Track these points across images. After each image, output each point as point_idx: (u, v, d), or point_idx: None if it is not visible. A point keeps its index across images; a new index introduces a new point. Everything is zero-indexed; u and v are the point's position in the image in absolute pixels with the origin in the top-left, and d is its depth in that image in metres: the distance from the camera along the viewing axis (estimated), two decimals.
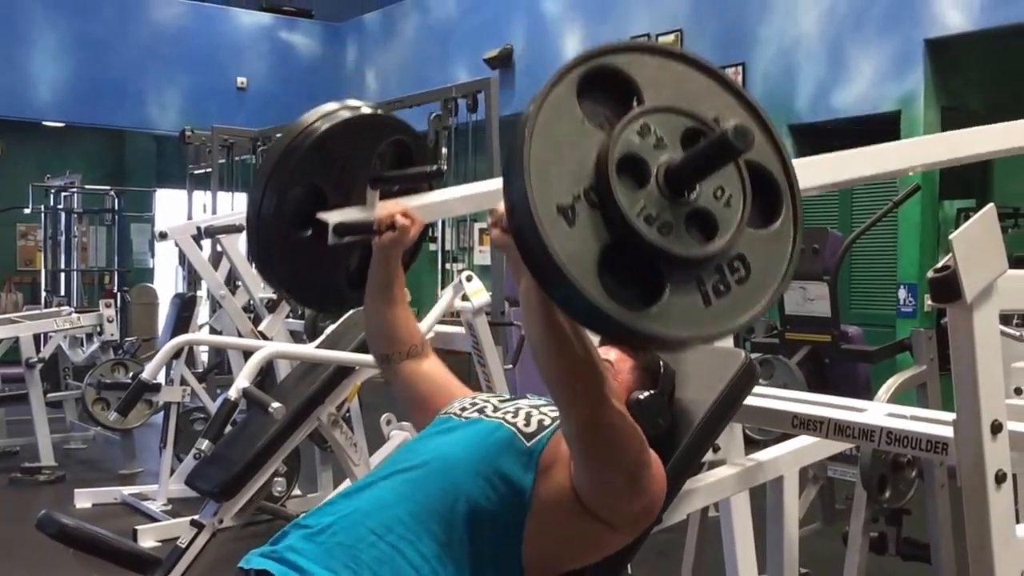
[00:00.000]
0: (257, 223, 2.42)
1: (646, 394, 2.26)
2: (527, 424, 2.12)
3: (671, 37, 10.54)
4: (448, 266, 8.78)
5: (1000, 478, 1.93)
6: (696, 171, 1.62)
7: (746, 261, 1.68)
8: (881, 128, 8.85)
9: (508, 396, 2.36)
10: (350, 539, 1.95)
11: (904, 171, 2.94)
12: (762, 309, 1.69)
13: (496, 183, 2.88)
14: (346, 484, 4.79)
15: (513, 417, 2.15)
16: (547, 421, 2.13)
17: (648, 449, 2.02)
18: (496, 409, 2.21)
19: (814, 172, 2.42)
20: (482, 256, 11.68)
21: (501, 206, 1.83)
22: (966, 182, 9.84)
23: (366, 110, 2.55)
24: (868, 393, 5.41)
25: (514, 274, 1.87)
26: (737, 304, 1.67)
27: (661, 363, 2.36)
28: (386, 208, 2.39)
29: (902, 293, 8.55)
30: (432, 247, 8.51)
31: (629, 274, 1.60)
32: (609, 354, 2.27)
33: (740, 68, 9.91)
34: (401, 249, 2.41)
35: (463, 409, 2.26)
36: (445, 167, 2.44)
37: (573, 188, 1.59)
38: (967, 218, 6.86)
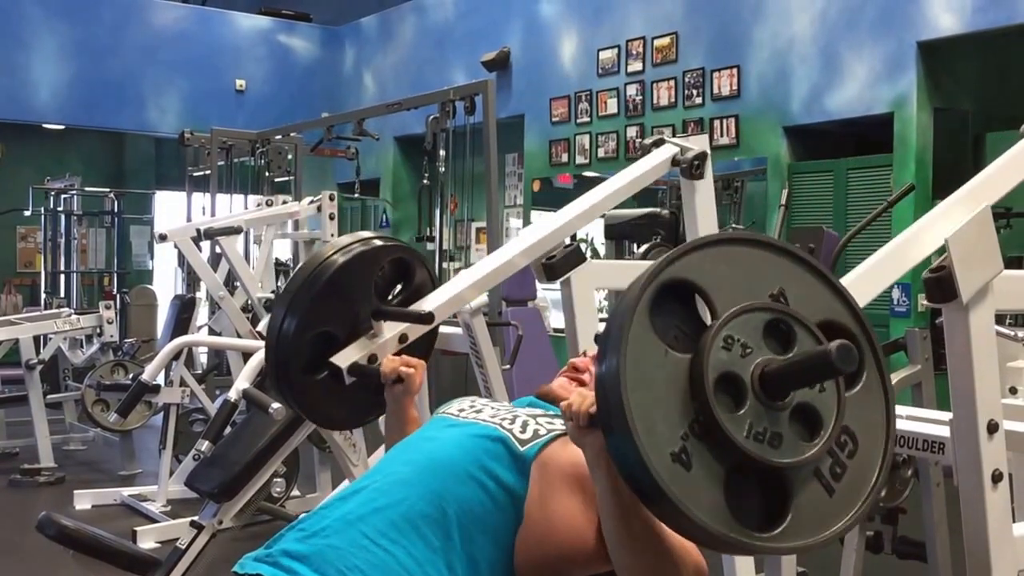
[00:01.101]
0: (278, 377, 2.49)
1: None
2: (523, 431, 2.10)
3: (666, 39, 10.58)
4: (445, 265, 8.77)
5: (996, 477, 1.94)
6: (797, 384, 1.61)
7: (850, 431, 1.66)
8: (874, 130, 8.90)
9: (506, 404, 2.36)
10: (343, 542, 1.94)
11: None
12: (879, 474, 1.67)
13: (500, 256, 2.94)
14: (344, 484, 4.83)
15: (510, 424, 2.13)
16: (542, 431, 2.10)
17: (696, 559, 1.95)
18: (494, 413, 2.20)
19: (872, 281, 2.30)
20: (479, 255, 11.70)
21: (575, 400, 1.81)
22: (959, 181, 9.83)
23: (358, 248, 2.59)
24: None
25: (591, 466, 1.85)
26: (856, 478, 1.65)
27: None
28: (390, 364, 2.45)
29: (896, 293, 8.57)
30: (430, 246, 8.50)
31: (753, 492, 1.59)
32: None
33: (735, 70, 9.94)
34: (411, 396, 2.49)
35: (460, 410, 2.25)
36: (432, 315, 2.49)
37: (680, 429, 1.57)
38: None
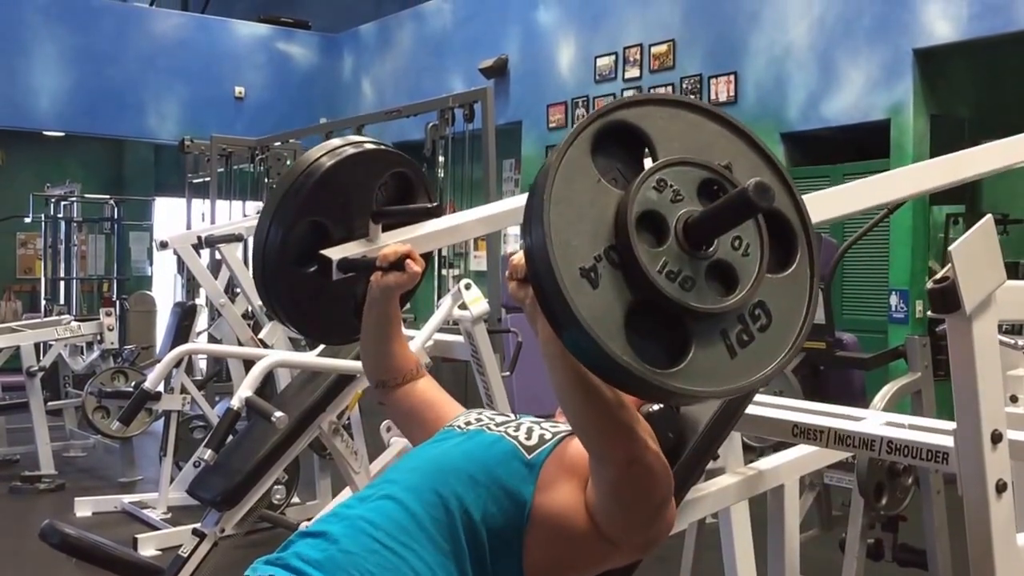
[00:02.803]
0: (263, 260, 2.41)
1: (656, 407, 2.27)
2: (528, 438, 2.12)
3: (664, 47, 10.60)
4: (444, 272, 8.78)
5: (1001, 488, 1.94)
6: (717, 227, 1.63)
7: (767, 308, 1.69)
8: (871, 136, 8.92)
9: (510, 414, 2.37)
10: (355, 547, 1.96)
11: (913, 196, 2.94)
12: (787, 356, 1.69)
13: (494, 207, 2.91)
14: (346, 492, 4.83)
15: (515, 431, 2.15)
16: (548, 436, 2.13)
17: (672, 486, 2.01)
18: (499, 424, 2.21)
19: (822, 206, 2.41)
20: (477, 262, 11.72)
21: (515, 258, 1.83)
22: (956, 188, 9.86)
23: (370, 146, 2.57)
24: (863, 400, 5.43)
25: (531, 323, 1.86)
26: (762, 353, 1.67)
27: None
28: (390, 247, 2.37)
29: (893, 299, 8.59)
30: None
31: (654, 330, 1.61)
32: None
33: (732, 77, 9.97)
34: (402, 291, 2.39)
35: (467, 423, 2.26)
36: (441, 204, 2.42)
37: (594, 249, 1.59)
38: (956, 223, 6.90)
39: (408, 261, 2.33)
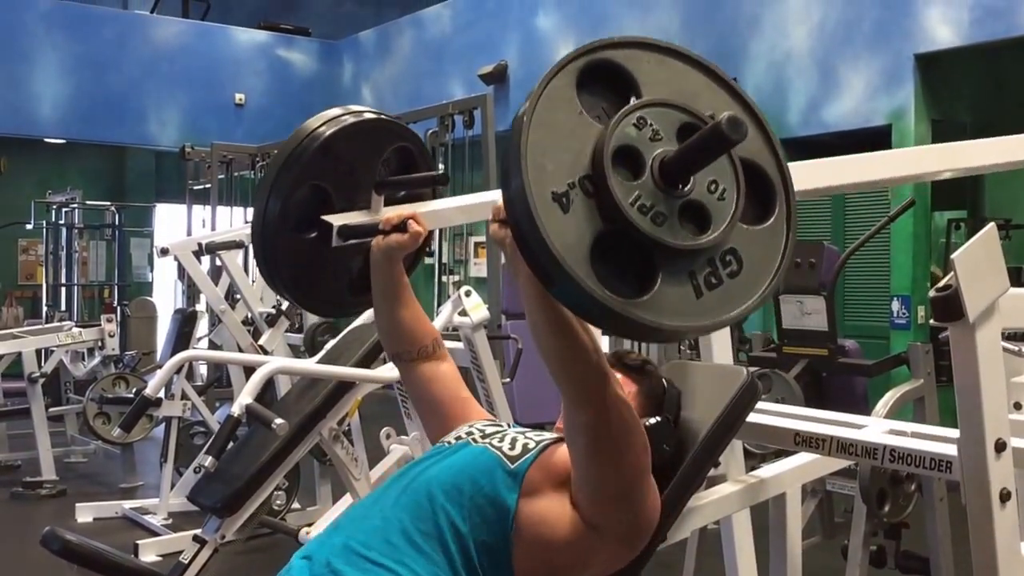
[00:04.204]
0: (262, 225, 2.42)
1: (652, 421, 2.28)
2: (512, 448, 2.14)
3: None
4: (444, 279, 8.80)
5: (1004, 496, 1.94)
6: (691, 162, 1.64)
7: (738, 256, 1.70)
8: (872, 142, 8.90)
9: (499, 425, 2.37)
10: (350, 567, 1.99)
11: (897, 181, 2.94)
12: (754, 304, 1.71)
13: (499, 193, 2.90)
14: (347, 498, 4.83)
15: (499, 442, 2.18)
16: (532, 444, 2.15)
17: (649, 455, 2.04)
18: (484, 436, 2.23)
19: (810, 175, 2.43)
20: (477, 269, 11.72)
21: (500, 200, 1.86)
22: (957, 193, 9.88)
23: (370, 115, 2.56)
24: (866, 406, 5.43)
25: (511, 267, 1.86)
26: (729, 297, 1.69)
27: (665, 387, 2.38)
28: (394, 210, 2.39)
29: (895, 305, 8.58)
30: (428, 260, 8.51)
31: (622, 263, 1.62)
32: None
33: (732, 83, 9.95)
34: (405, 253, 2.40)
35: (458, 438, 2.28)
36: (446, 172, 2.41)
37: (569, 176, 1.61)
38: (958, 228, 6.90)
39: (410, 221, 2.34)
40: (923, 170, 2.82)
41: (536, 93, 1.65)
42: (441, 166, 7.97)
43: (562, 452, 2.07)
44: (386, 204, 2.57)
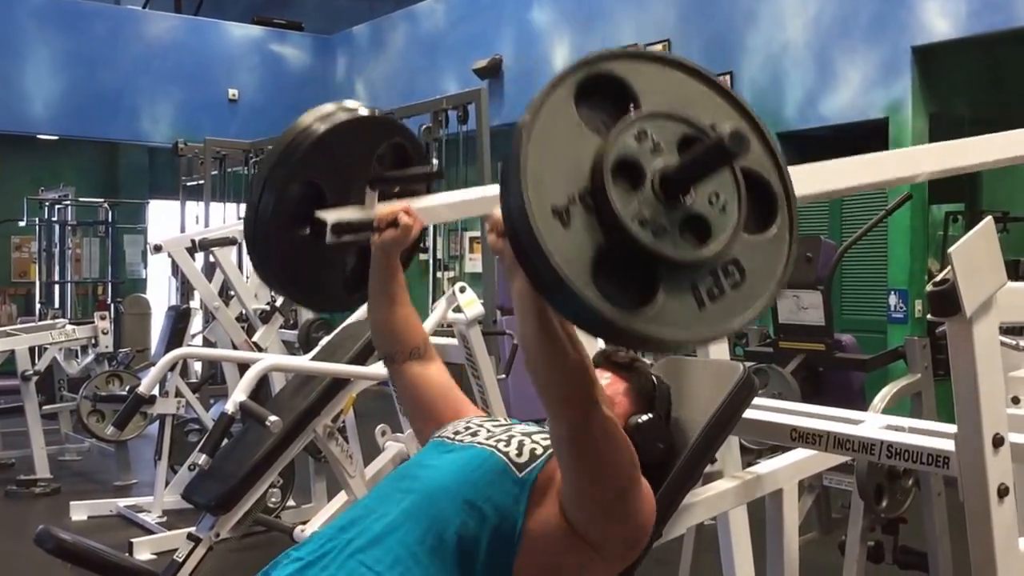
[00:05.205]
0: (255, 221, 2.40)
1: (644, 418, 2.26)
2: (519, 454, 2.10)
3: (659, 47, 10.56)
4: (439, 274, 8.78)
5: (1002, 492, 1.93)
6: (692, 175, 1.63)
7: (741, 266, 1.68)
8: (869, 135, 8.89)
9: (502, 421, 2.34)
10: (341, 572, 1.95)
11: (902, 181, 2.93)
12: (756, 313, 1.69)
13: (494, 188, 2.88)
14: (341, 497, 4.81)
15: (506, 446, 2.13)
16: (539, 451, 2.11)
17: (639, 468, 2.01)
18: (490, 435, 2.19)
19: (811, 180, 2.41)
20: (472, 264, 11.70)
21: (497, 211, 1.83)
22: (955, 185, 9.88)
23: (364, 111, 2.55)
24: (862, 401, 5.42)
25: (508, 276, 1.84)
26: (731, 308, 1.67)
27: (655, 383, 2.36)
28: (388, 206, 2.36)
29: (892, 299, 8.57)
30: (423, 256, 8.49)
31: (623, 276, 1.60)
32: (602, 378, 2.20)
33: (728, 77, 9.93)
34: (400, 248, 2.38)
35: (456, 433, 2.24)
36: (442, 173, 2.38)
37: (568, 190, 1.59)
38: (956, 222, 6.89)
39: (400, 214, 2.32)
40: (922, 170, 2.80)
41: (535, 107, 1.63)
42: (435, 161, 7.94)
43: None
44: (381, 199, 2.54)
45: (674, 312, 1.62)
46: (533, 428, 2.24)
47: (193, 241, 6.67)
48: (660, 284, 1.61)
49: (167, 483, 6.74)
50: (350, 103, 2.55)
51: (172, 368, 6.36)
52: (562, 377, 1.84)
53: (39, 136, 14.25)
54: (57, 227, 14.26)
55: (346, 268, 2.56)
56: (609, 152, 1.61)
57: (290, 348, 7.34)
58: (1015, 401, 2.79)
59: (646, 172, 1.62)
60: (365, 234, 2.37)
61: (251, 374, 4.54)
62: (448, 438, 2.24)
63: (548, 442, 2.12)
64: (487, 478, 2.06)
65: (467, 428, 2.25)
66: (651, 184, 1.62)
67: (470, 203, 2.71)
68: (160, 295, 15.02)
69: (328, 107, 2.50)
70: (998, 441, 1.93)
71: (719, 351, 2.87)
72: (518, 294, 1.79)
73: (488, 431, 2.22)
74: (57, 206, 14.09)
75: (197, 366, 10.27)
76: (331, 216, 2.38)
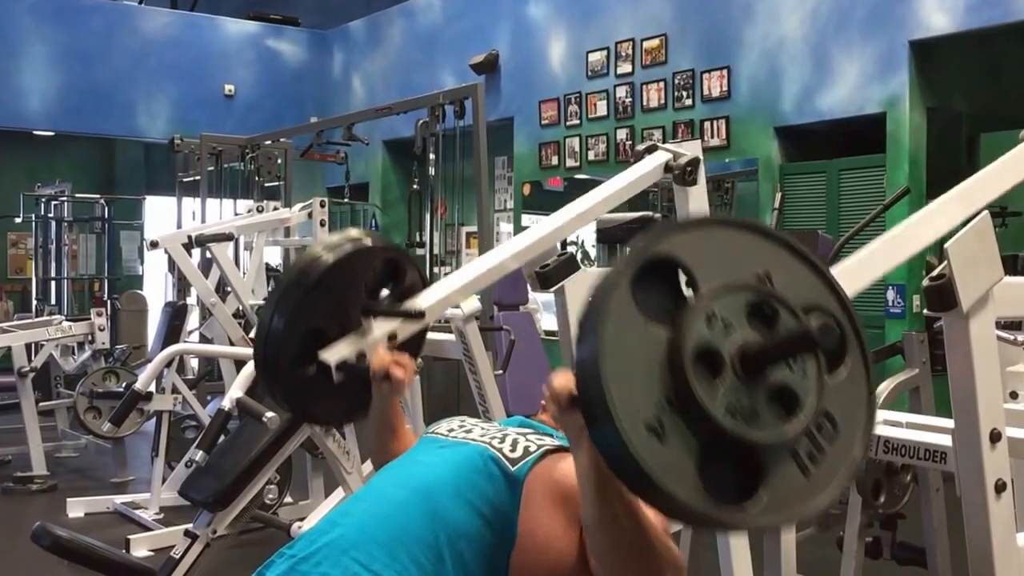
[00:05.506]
0: (264, 364, 2.45)
1: None
2: (513, 450, 2.10)
3: (656, 42, 10.56)
4: (436, 270, 8.76)
5: (1000, 487, 1.92)
6: (775, 358, 1.59)
7: (831, 416, 1.63)
8: (866, 129, 8.88)
9: (496, 424, 2.34)
10: (335, 570, 1.94)
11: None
12: (857, 458, 1.65)
13: (491, 257, 2.87)
14: (339, 493, 4.81)
15: (500, 443, 2.13)
16: (532, 448, 2.10)
17: (675, 555, 1.95)
18: (484, 433, 2.19)
19: (861, 274, 2.22)
20: (469, 259, 11.66)
21: (558, 380, 1.78)
22: (953, 181, 9.84)
23: (348, 246, 2.56)
24: None
25: (573, 447, 1.82)
26: (833, 464, 1.62)
27: None
28: (379, 359, 2.35)
29: (890, 294, 8.56)
30: (420, 251, 8.48)
31: (726, 470, 1.57)
32: None
33: (725, 71, 9.93)
34: (398, 396, 2.42)
35: (450, 430, 2.24)
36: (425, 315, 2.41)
37: (653, 398, 1.54)
38: None
39: (393, 370, 2.32)
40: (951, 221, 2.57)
41: (603, 320, 1.57)
42: (432, 156, 7.94)
43: (566, 467, 2.00)
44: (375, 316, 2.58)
45: (783, 489, 1.58)
46: (527, 429, 2.24)
47: (190, 237, 6.66)
48: (765, 466, 1.58)
49: (164, 479, 6.74)
50: (330, 240, 2.56)
51: (169, 364, 6.36)
52: (643, 550, 1.84)
53: (35, 132, 14.26)
54: (53, 223, 14.27)
55: (348, 394, 2.58)
56: (685, 345, 1.55)
57: None
58: (1013, 396, 2.78)
59: (724, 356, 1.57)
60: (366, 379, 2.40)
61: (248, 370, 4.53)
62: (442, 435, 2.24)
63: (542, 442, 2.12)
64: (482, 473, 2.05)
65: (461, 426, 2.26)
66: (732, 367, 1.57)
67: (480, 278, 2.71)
68: (157, 291, 15.00)
69: (313, 252, 2.53)
70: (995, 436, 1.92)
71: None
72: (586, 468, 1.78)
73: (483, 429, 2.22)
74: (53, 202, 14.10)
75: (194, 362, 10.26)
76: (332, 357, 2.41)
